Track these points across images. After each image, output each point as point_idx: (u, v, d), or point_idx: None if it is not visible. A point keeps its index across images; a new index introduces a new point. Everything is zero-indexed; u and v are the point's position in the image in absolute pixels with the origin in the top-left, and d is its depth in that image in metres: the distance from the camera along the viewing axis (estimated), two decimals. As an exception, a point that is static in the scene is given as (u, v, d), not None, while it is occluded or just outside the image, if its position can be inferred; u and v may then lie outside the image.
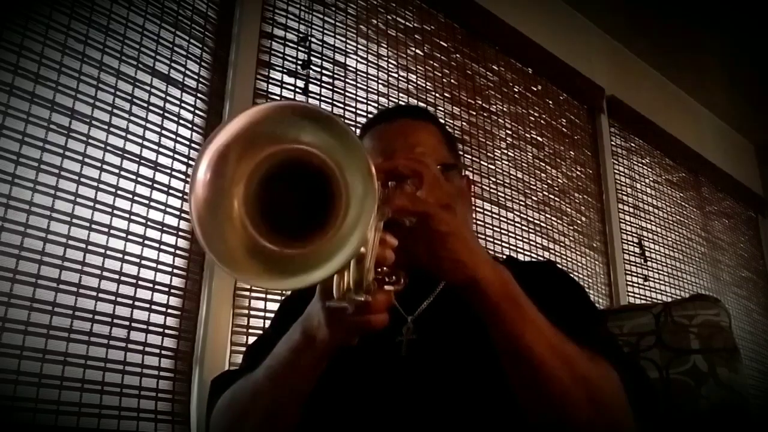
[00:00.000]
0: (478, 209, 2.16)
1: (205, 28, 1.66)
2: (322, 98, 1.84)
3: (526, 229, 2.35)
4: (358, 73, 1.97)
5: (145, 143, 1.45)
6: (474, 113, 2.31)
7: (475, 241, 0.75)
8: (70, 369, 1.22)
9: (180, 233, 1.47)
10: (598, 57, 3.00)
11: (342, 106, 1.88)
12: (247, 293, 1.55)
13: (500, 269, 0.73)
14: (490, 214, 2.22)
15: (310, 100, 1.81)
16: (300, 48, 1.83)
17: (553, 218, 2.49)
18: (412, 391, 0.84)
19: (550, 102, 2.71)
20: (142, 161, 1.43)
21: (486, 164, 2.28)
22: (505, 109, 2.46)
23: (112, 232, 1.34)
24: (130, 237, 1.37)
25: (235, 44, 1.70)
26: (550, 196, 2.52)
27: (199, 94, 1.60)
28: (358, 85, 1.95)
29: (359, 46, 2.00)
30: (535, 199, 2.45)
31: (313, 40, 1.87)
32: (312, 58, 1.84)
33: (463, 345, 0.85)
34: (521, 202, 2.37)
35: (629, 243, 2.86)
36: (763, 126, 3.84)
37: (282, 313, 1.03)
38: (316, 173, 0.59)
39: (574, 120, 2.80)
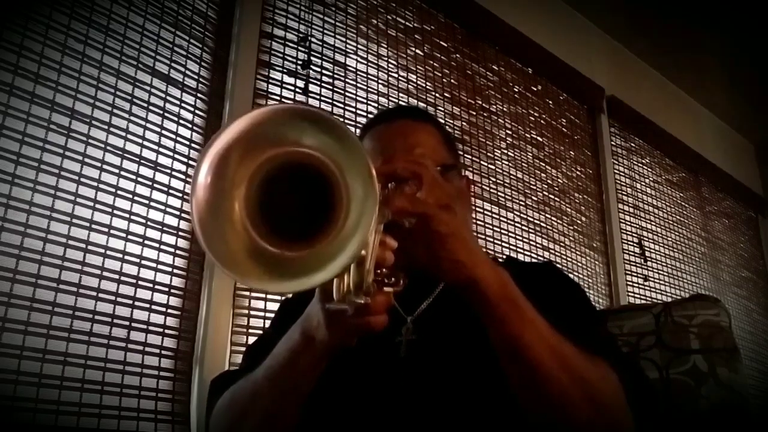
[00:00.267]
0: (478, 209, 2.16)
1: (205, 28, 1.66)
2: (322, 98, 1.84)
3: (526, 229, 2.35)
4: (358, 73, 1.97)
5: (145, 143, 1.45)
6: (474, 113, 2.31)
7: (474, 241, 0.75)
8: (70, 369, 1.22)
9: (180, 233, 1.47)
10: (598, 57, 3.00)
11: (342, 106, 1.88)
12: (247, 293, 1.55)
13: (499, 270, 0.73)
14: (490, 214, 2.22)
15: (310, 100, 1.81)
16: (300, 48, 1.83)
17: (553, 218, 2.49)
18: (411, 392, 0.84)
19: (550, 102, 2.71)
20: (142, 161, 1.43)
21: (486, 164, 2.28)
22: (505, 109, 2.46)
23: (112, 232, 1.34)
24: (130, 237, 1.37)
25: (235, 44, 1.70)
26: (550, 196, 2.52)
27: (199, 94, 1.60)
28: (358, 85, 1.95)
29: (359, 46, 2.00)
30: (535, 199, 2.45)
31: (313, 40, 1.87)
32: (312, 58, 1.84)
33: (463, 346, 0.85)
34: (521, 202, 2.37)
35: (629, 243, 2.86)
36: (763, 126, 3.84)
37: (282, 314, 1.03)
38: (317, 176, 0.59)
39: (574, 120, 2.80)
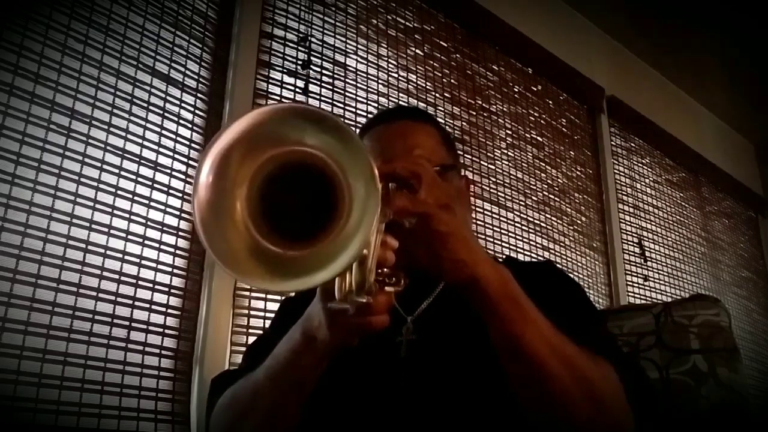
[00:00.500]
0: (478, 209, 2.16)
1: (205, 28, 1.66)
2: (322, 98, 1.84)
3: (526, 229, 2.35)
4: (358, 73, 1.97)
5: (145, 143, 1.45)
6: (474, 113, 2.31)
7: (474, 240, 0.75)
8: (70, 369, 1.22)
9: (180, 233, 1.47)
10: (598, 57, 3.00)
11: (342, 106, 1.88)
12: (247, 293, 1.55)
13: (500, 268, 0.73)
14: (490, 214, 2.22)
15: (310, 100, 1.81)
16: (300, 48, 1.83)
17: (553, 218, 2.49)
18: (411, 392, 0.84)
19: (550, 102, 2.71)
20: (142, 161, 1.43)
21: (486, 164, 2.28)
22: (505, 109, 2.46)
23: (112, 232, 1.34)
24: (130, 237, 1.37)
25: (235, 44, 1.70)
26: (550, 196, 2.52)
27: (199, 94, 1.60)
28: (358, 85, 1.95)
29: (359, 46, 2.00)
30: (535, 199, 2.45)
31: (313, 40, 1.87)
32: (312, 58, 1.84)
33: (463, 345, 0.85)
34: (521, 202, 2.37)
35: (629, 243, 2.86)
36: (763, 126, 3.84)
37: (282, 314, 1.03)
38: (319, 175, 0.59)
39: (574, 120, 2.80)
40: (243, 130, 0.59)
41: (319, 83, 1.84)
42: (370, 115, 1.91)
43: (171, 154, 1.50)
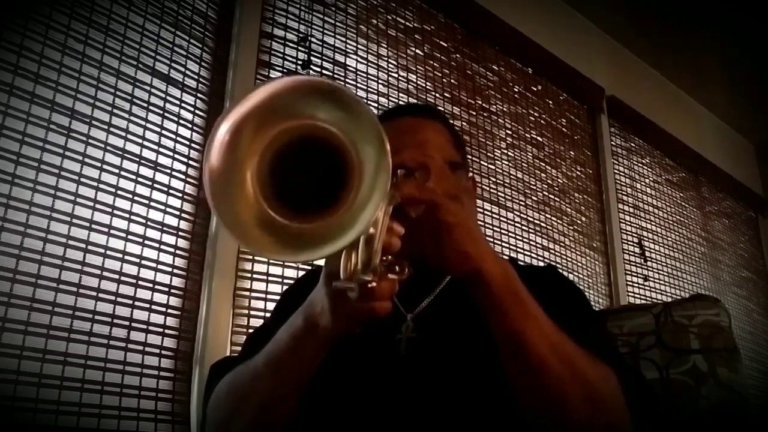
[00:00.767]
0: (478, 209, 2.16)
1: (205, 28, 1.66)
2: (322, 98, 1.83)
3: (526, 229, 2.35)
4: (358, 73, 1.97)
5: (145, 143, 1.45)
6: (474, 113, 2.31)
7: (480, 233, 0.75)
8: (70, 369, 1.22)
9: (180, 233, 1.47)
10: (598, 57, 3.00)
11: (342, 106, 1.88)
12: (247, 293, 1.55)
13: (504, 263, 0.73)
14: (490, 214, 2.22)
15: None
16: (300, 48, 1.83)
17: (553, 218, 2.49)
18: (410, 390, 0.84)
19: (550, 102, 2.71)
20: (142, 161, 1.43)
21: (486, 164, 2.28)
22: (505, 109, 2.46)
23: (112, 232, 1.34)
24: (130, 237, 1.37)
25: (235, 44, 1.70)
26: (550, 196, 2.52)
27: (199, 94, 1.60)
28: (358, 85, 1.95)
29: (359, 46, 2.00)
30: (535, 199, 2.45)
31: (313, 40, 1.87)
32: (312, 58, 1.84)
33: (463, 344, 0.85)
34: (521, 202, 2.37)
35: (629, 243, 2.86)
36: (763, 126, 3.84)
37: (284, 303, 1.02)
38: (331, 149, 0.59)
39: (574, 120, 2.80)
40: (257, 102, 0.59)
41: (319, 83, 1.84)
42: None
43: (171, 154, 1.50)
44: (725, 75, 3.45)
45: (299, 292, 0.81)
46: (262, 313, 1.55)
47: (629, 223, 2.90)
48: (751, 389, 2.49)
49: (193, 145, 1.55)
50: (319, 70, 1.85)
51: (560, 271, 1.02)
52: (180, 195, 1.49)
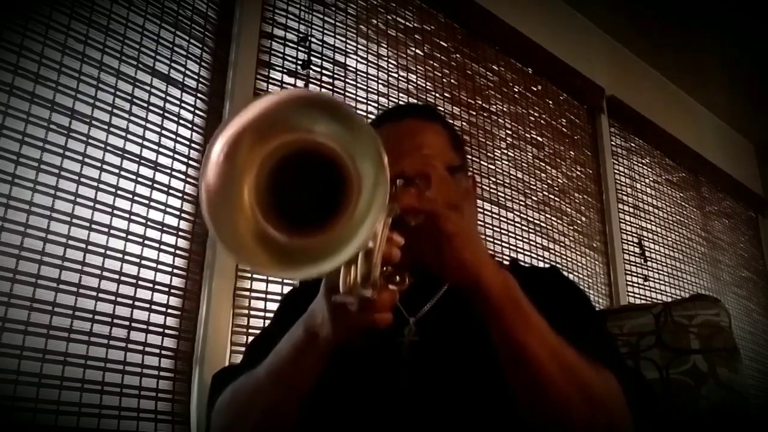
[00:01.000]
0: (478, 209, 2.16)
1: (205, 28, 1.66)
2: (322, 98, 1.83)
3: (526, 229, 2.35)
4: (358, 73, 1.97)
5: (145, 143, 1.45)
6: (474, 113, 2.31)
7: (480, 243, 0.75)
8: (70, 369, 1.22)
9: (180, 233, 1.47)
10: (598, 57, 3.00)
11: (342, 106, 1.88)
12: (247, 293, 1.55)
13: (503, 272, 0.73)
14: (490, 214, 2.22)
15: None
16: (300, 48, 1.83)
17: (553, 218, 2.49)
18: (412, 393, 0.84)
19: (550, 102, 2.71)
20: (142, 161, 1.43)
21: (486, 164, 2.28)
22: (505, 109, 2.46)
23: (112, 232, 1.34)
24: (130, 237, 1.37)
25: (235, 44, 1.70)
26: (550, 196, 2.52)
27: (199, 94, 1.60)
28: (358, 85, 1.95)
29: (359, 46, 2.00)
30: (535, 199, 2.45)
31: (313, 40, 1.87)
32: (312, 58, 1.84)
33: (465, 348, 0.85)
34: (521, 202, 2.37)
35: (629, 243, 2.86)
36: (763, 126, 3.84)
37: (284, 309, 1.03)
38: (329, 163, 0.59)
39: (574, 120, 2.80)
40: (254, 115, 0.58)
41: (319, 83, 1.84)
42: (370, 115, 1.91)
43: (171, 154, 1.50)
44: (725, 75, 3.45)
45: (301, 297, 0.81)
46: (262, 313, 1.55)
47: (629, 223, 2.90)
48: (751, 389, 2.49)
49: (193, 145, 1.55)
50: (319, 70, 1.85)
51: (563, 272, 1.02)
52: (180, 195, 1.49)
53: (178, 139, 1.52)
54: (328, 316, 0.70)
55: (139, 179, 1.42)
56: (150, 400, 1.34)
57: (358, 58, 1.98)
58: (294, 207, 0.61)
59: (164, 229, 1.44)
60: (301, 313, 0.76)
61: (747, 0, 2.81)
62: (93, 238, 1.31)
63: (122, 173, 1.39)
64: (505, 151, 2.39)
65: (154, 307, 1.39)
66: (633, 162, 3.09)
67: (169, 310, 1.42)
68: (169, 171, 1.48)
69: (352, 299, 0.63)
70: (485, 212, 2.20)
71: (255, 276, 1.57)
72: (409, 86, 2.12)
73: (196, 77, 1.60)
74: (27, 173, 1.24)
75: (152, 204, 1.43)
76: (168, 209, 1.46)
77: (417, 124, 0.99)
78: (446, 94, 2.24)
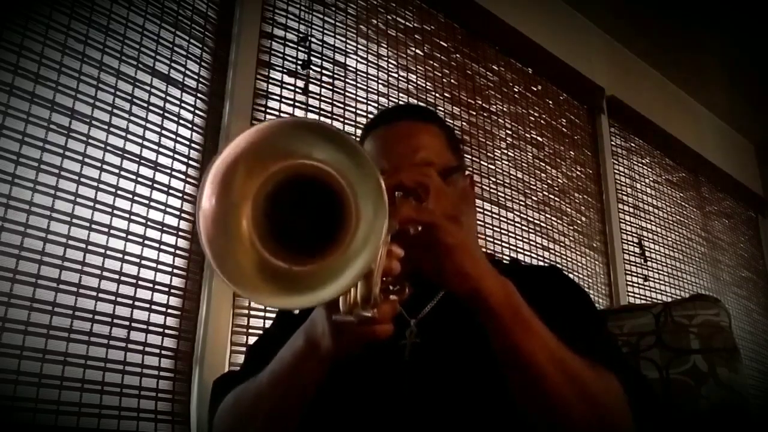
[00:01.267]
0: (478, 209, 2.16)
1: (205, 28, 1.66)
2: (322, 98, 1.84)
3: (526, 229, 2.35)
4: (358, 73, 1.97)
5: (145, 143, 1.45)
6: (474, 113, 2.31)
7: (479, 252, 0.75)
8: (70, 369, 1.22)
9: (180, 233, 1.47)
10: (598, 57, 3.00)
11: (342, 106, 1.88)
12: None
13: (504, 281, 0.73)
14: (490, 214, 2.22)
15: (310, 101, 1.81)
16: (300, 48, 1.83)
17: (553, 218, 2.49)
18: (414, 395, 0.83)
19: (550, 102, 2.71)
20: (142, 161, 1.43)
21: (486, 164, 2.28)
22: (505, 109, 2.46)
23: (112, 232, 1.34)
24: (130, 237, 1.37)
25: (235, 44, 1.70)
26: (550, 196, 2.52)
27: (199, 94, 1.60)
28: (358, 85, 1.95)
29: (359, 46, 2.00)
30: (535, 199, 2.45)
31: (313, 40, 1.87)
32: (312, 58, 1.84)
33: (467, 349, 0.84)
34: (521, 202, 2.37)
35: (629, 243, 2.86)
36: (763, 126, 3.84)
37: (284, 313, 1.03)
38: (326, 190, 0.59)
39: (574, 120, 2.80)
40: (248, 144, 0.58)
41: (319, 83, 1.84)
42: (370, 115, 1.91)
43: (171, 154, 1.50)
44: (725, 75, 3.45)
45: None
46: (262, 313, 1.55)
47: (629, 223, 2.90)
48: (751, 389, 2.49)
49: (193, 145, 1.55)
50: (319, 70, 1.85)
51: (563, 271, 1.02)
52: (180, 195, 1.49)
53: (178, 139, 1.52)
54: (328, 330, 0.70)
55: (139, 179, 1.42)
56: (150, 400, 1.34)
57: (358, 58, 1.98)
58: (293, 235, 0.60)
59: (164, 229, 1.44)
60: (302, 315, 0.76)
61: (747, 0, 2.81)
62: (93, 238, 1.31)
63: (122, 173, 1.39)
64: (505, 151, 2.39)
65: (154, 307, 1.39)
66: (633, 162, 3.09)
67: (169, 310, 1.42)
68: (169, 171, 1.48)
69: (353, 319, 0.63)
70: (485, 212, 2.20)
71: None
72: (409, 86, 2.12)
73: (196, 77, 1.60)
74: (27, 173, 1.24)
75: (152, 204, 1.43)
76: (168, 209, 1.46)
77: (413, 125, 0.99)
78: (446, 94, 2.24)
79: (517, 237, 2.30)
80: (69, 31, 1.36)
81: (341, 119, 1.87)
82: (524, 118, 2.53)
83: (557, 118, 2.71)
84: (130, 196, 1.39)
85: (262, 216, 0.59)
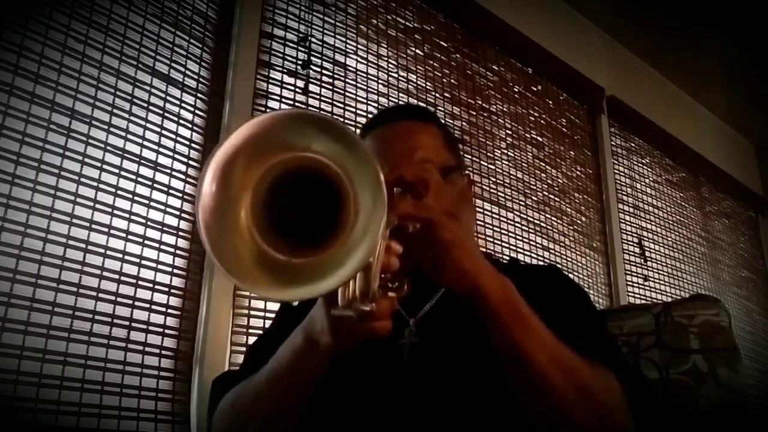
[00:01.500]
0: (478, 209, 2.16)
1: (205, 28, 1.66)
2: (322, 98, 1.84)
3: (526, 229, 2.35)
4: (358, 73, 1.97)
5: (145, 143, 1.45)
6: (474, 113, 2.31)
7: (477, 250, 0.75)
8: (70, 369, 1.22)
9: (180, 233, 1.47)
10: (598, 57, 3.00)
11: (342, 106, 1.88)
12: (247, 293, 1.55)
13: (502, 278, 0.73)
14: (490, 214, 2.22)
15: (310, 100, 1.81)
16: (300, 48, 1.83)
17: (553, 218, 2.49)
18: (413, 395, 0.84)
19: (550, 102, 2.71)
20: (142, 161, 1.43)
21: (486, 164, 2.28)
22: (505, 109, 2.46)
23: (112, 232, 1.34)
24: (130, 237, 1.37)
25: (235, 44, 1.70)
26: (550, 196, 2.52)
27: (199, 94, 1.60)
28: (358, 85, 1.95)
29: (359, 46, 2.00)
30: (535, 199, 2.45)
31: (313, 40, 1.87)
32: (312, 58, 1.84)
33: (466, 348, 0.85)
34: (521, 202, 2.37)
35: (629, 243, 2.86)
36: (763, 126, 3.84)
37: (284, 312, 1.03)
38: (325, 182, 0.59)
39: (574, 120, 2.80)
40: (248, 135, 0.58)
41: (319, 83, 1.84)
42: (370, 115, 1.91)
43: (171, 154, 1.50)
44: (725, 75, 3.45)
45: (300, 301, 0.81)
46: (262, 313, 1.55)
47: (629, 223, 2.90)
48: (751, 389, 2.48)
49: (193, 145, 1.55)
50: (319, 70, 1.85)
51: (562, 271, 1.02)
52: (180, 195, 1.49)
53: (178, 139, 1.52)
54: (327, 326, 0.70)
55: (139, 179, 1.42)
56: (150, 400, 1.34)
57: (358, 58, 1.98)
58: (292, 227, 0.60)
59: (164, 229, 1.44)
60: (301, 315, 0.76)
61: (747, 0, 2.81)
62: (93, 238, 1.31)
63: (122, 173, 1.39)
64: (505, 151, 2.39)
65: (154, 307, 1.39)
66: (633, 162, 3.09)
67: (169, 310, 1.42)
68: (169, 171, 1.48)
69: (351, 313, 0.63)
70: (485, 212, 2.20)
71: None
72: (409, 86, 2.12)
73: (196, 77, 1.60)
74: (27, 173, 1.24)
75: (152, 204, 1.43)
76: (168, 209, 1.46)
77: (411, 125, 0.99)
78: (446, 94, 2.24)
79: (517, 237, 2.30)
80: (69, 31, 1.36)
81: (341, 119, 1.87)
82: (524, 118, 2.53)
83: (557, 118, 2.71)
84: (130, 196, 1.39)
85: (261, 208, 0.59)
